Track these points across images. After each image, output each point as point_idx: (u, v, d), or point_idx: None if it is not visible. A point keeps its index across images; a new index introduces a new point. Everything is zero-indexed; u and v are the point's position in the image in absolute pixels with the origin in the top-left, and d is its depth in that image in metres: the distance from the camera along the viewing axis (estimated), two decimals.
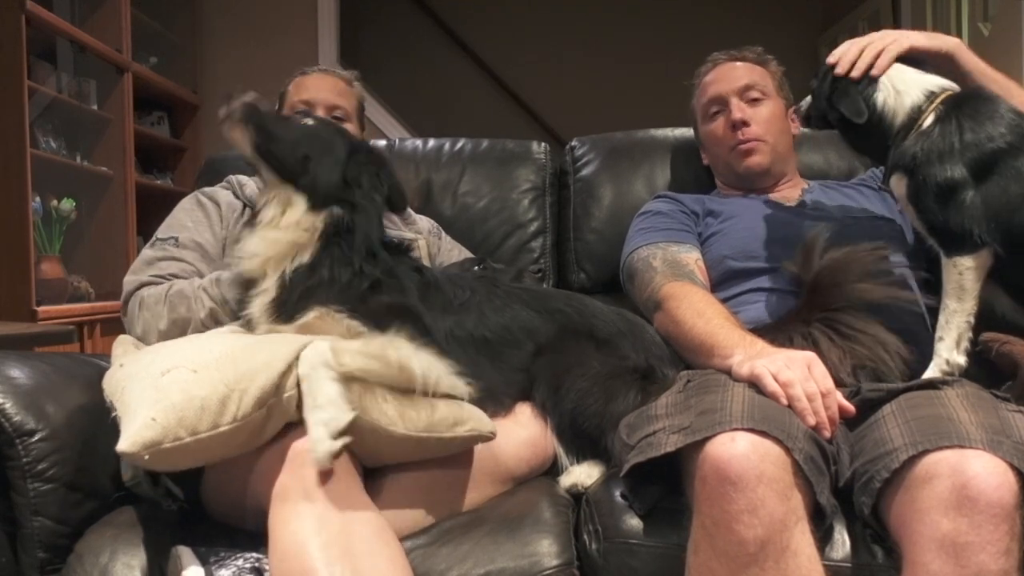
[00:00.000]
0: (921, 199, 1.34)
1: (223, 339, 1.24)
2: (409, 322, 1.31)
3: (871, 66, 1.43)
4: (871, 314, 1.41)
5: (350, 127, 1.77)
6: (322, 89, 1.80)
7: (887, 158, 1.42)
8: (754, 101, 1.78)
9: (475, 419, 1.26)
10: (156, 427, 1.06)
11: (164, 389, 1.10)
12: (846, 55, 1.45)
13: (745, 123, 1.75)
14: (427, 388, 1.23)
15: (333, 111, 1.78)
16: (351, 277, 1.35)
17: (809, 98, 1.55)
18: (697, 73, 1.88)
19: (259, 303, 1.36)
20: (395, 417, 1.17)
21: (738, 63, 1.83)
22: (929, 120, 1.37)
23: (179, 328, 1.46)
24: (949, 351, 1.33)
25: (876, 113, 1.41)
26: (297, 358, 1.16)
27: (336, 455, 1.08)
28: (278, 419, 1.17)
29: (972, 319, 1.33)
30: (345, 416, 1.09)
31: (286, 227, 1.37)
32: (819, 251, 1.46)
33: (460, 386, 1.28)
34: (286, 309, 1.34)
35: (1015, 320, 1.36)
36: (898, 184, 1.39)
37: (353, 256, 1.36)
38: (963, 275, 1.32)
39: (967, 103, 1.37)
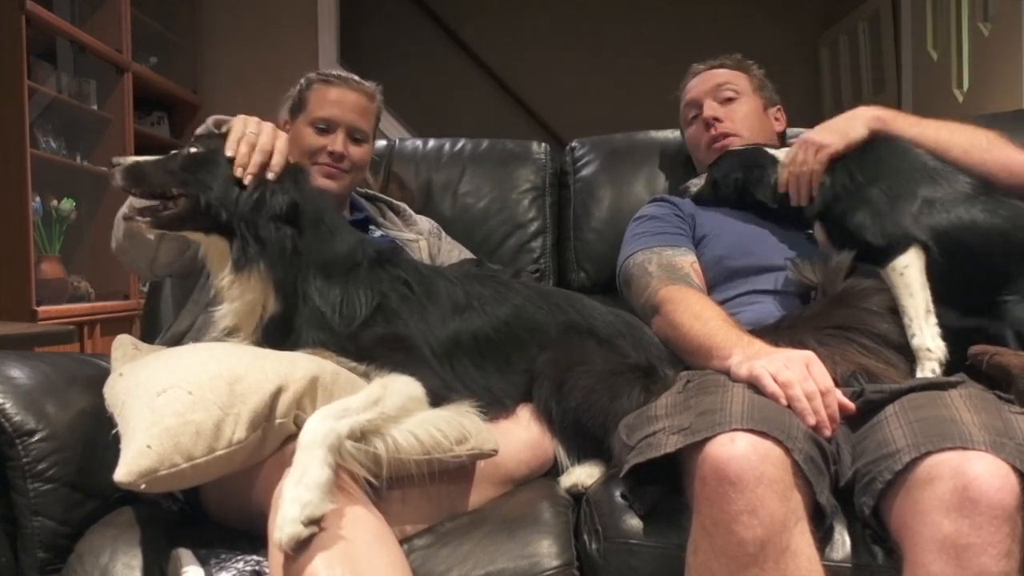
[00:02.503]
0: (842, 232, 1.49)
1: (220, 354, 1.22)
2: (402, 351, 1.31)
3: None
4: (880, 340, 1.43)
5: (365, 148, 1.77)
6: (346, 108, 1.73)
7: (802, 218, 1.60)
8: (728, 100, 1.83)
9: (477, 436, 1.25)
10: (152, 455, 1.05)
11: (159, 411, 1.10)
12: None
13: (717, 119, 1.80)
14: (431, 437, 1.21)
15: (354, 133, 1.74)
16: (327, 314, 1.33)
17: (699, 179, 1.78)
18: (681, 85, 1.93)
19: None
20: (394, 446, 1.16)
21: (716, 70, 1.88)
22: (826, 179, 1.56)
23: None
24: (925, 340, 1.37)
25: (775, 196, 1.63)
26: (286, 381, 1.17)
27: (300, 542, 1.02)
28: (274, 440, 1.17)
29: (931, 307, 1.39)
30: (323, 507, 1.04)
31: (238, 293, 1.34)
32: (844, 274, 1.48)
33: (462, 420, 1.26)
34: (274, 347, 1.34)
35: (964, 327, 1.41)
36: (820, 231, 1.56)
37: (324, 299, 1.34)
38: (904, 274, 1.40)
39: (851, 157, 1.55)
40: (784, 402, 1.17)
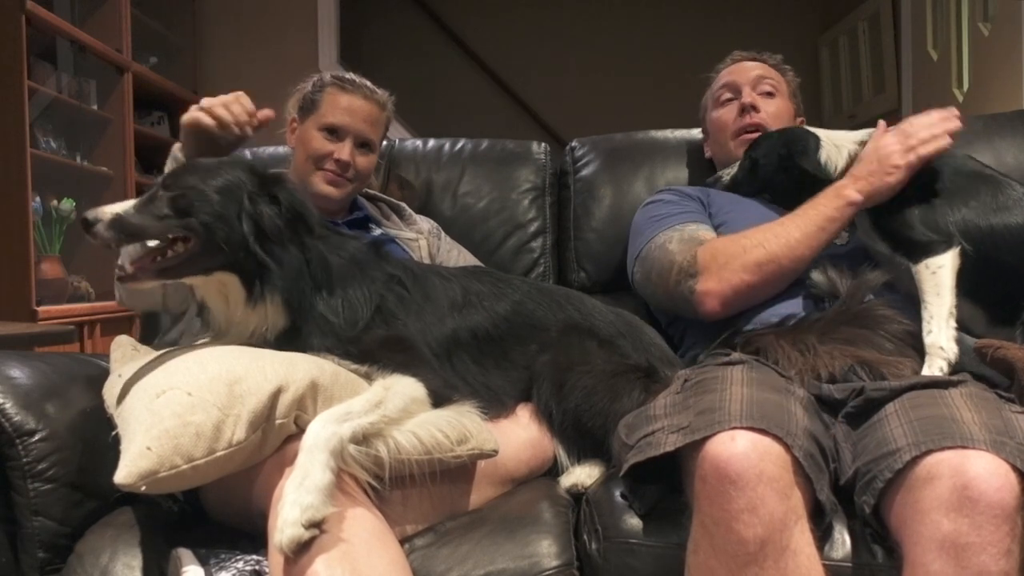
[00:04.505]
0: (886, 221, 1.49)
1: (219, 355, 1.21)
2: (403, 352, 1.31)
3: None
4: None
5: (372, 157, 1.76)
6: (357, 117, 1.72)
7: None
8: (766, 94, 1.82)
9: (478, 436, 1.25)
10: (152, 457, 1.05)
11: (158, 413, 1.10)
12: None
13: (755, 107, 1.79)
14: (431, 437, 1.21)
15: (361, 143, 1.73)
16: (334, 320, 1.32)
17: (729, 169, 1.77)
18: (716, 68, 1.93)
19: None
20: (396, 447, 1.16)
21: (758, 63, 1.89)
22: None
23: None
24: (940, 339, 1.37)
25: (821, 168, 1.60)
26: (285, 381, 1.17)
27: (301, 544, 1.02)
28: (274, 440, 1.17)
29: (954, 311, 1.39)
30: (324, 510, 1.04)
31: (248, 323, 1.30)
32: (869, 292, 1.48)
33: (463, 420, 1.26)
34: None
35: (993, 335, 1.41)
36: (864, 214, 1.53)
37: (328, 305, 1.33)
38: (937, 273, 1.41)
39: None
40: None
